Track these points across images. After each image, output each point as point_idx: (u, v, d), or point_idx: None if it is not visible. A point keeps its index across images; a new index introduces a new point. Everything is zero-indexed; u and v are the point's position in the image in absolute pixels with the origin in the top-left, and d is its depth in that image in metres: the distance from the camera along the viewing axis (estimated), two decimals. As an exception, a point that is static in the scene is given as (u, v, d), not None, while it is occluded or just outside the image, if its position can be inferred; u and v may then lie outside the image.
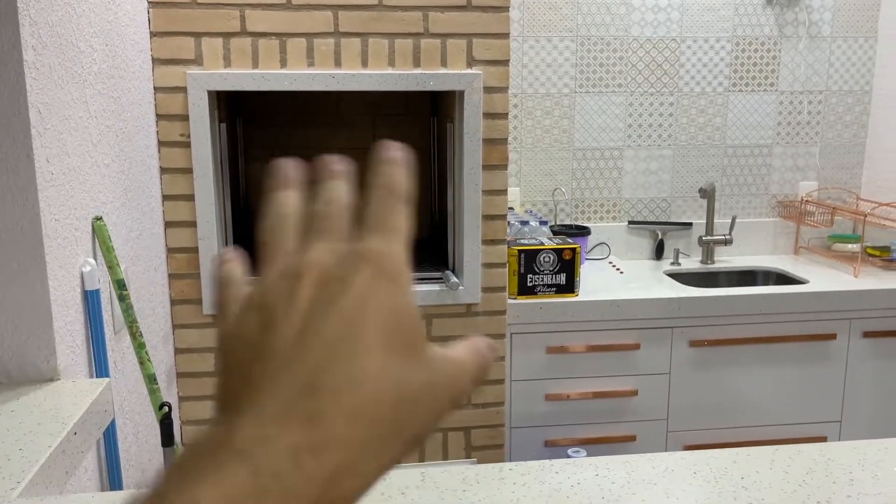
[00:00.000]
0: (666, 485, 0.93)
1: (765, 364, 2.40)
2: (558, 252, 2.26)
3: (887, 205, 2.67)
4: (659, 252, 2.84)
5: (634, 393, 2.36)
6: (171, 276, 1.99)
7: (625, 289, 2.39)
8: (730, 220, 2.82)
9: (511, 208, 2.75)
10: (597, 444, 2.38)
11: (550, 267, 2.27)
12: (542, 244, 2.28)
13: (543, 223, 2.48)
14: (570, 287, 2.29)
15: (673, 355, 2.36)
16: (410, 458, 1.54)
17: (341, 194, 0.35)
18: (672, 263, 2.79)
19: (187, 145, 1.93)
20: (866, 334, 2.42)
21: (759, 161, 2.88)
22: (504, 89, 2.04)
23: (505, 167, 2.08)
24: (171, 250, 1.98)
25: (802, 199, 2.90)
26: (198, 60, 1.91)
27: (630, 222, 2.85)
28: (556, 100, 2.74)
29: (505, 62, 2.03)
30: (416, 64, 1.99)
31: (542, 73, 2.71)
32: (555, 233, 2.68)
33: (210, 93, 1.93)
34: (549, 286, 2.28)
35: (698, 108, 2.81)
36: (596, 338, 2.32)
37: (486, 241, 2.11)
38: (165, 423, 1.48)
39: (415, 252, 0.37)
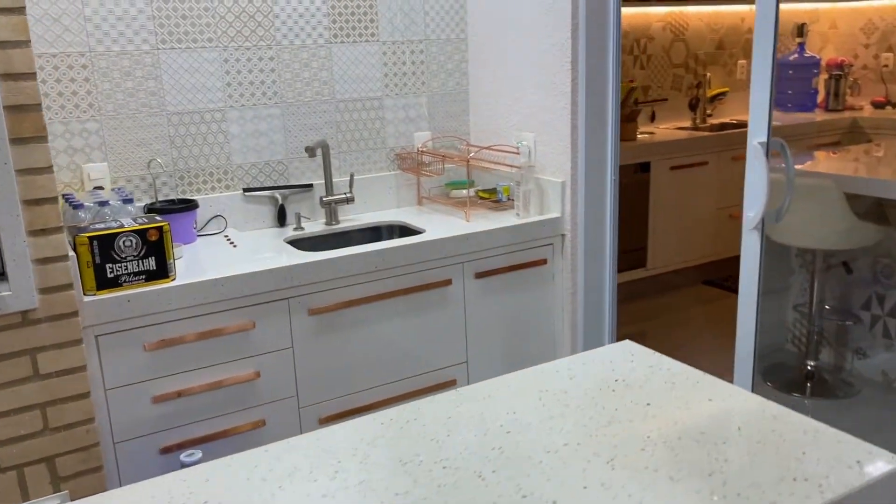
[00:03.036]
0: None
1: (388, 320, 2.36)
2: (141, 234, 1.95)
3: (487, 148, 2.78)
4: (281, 219, 2.66)
5: (257, 375, 2.17)
6: None
7: (235, 264, 2.17)
8: (349, 178, 2.73)
9: (100, 187, 2.35)
10: (223, 439, 2.15)
11: (134, 252, 1.95)
12: (122, 227, 1.95)
13: (128, 201, 2.14)
14: (163, 272, 2.00)
15: (293, 328, 2.20)
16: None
17: None
18: (295, 229, 2.64)
19: None
20: (478, 275, 2.50)
21: (373, 115, 2.82)
22: (25, 43, 1.65)
23: (44, 139, 1.70)
24: None
25: (419, 150, 2.92)
26: None
27: (245, 190, 2.62)
28: (136, 58, 2.38)
29: (20, 10, 1.64)
30: None
31: (111, 28, 2.33)
32: (156, 210, 2.36)
33: None
34: (137, 274, 1.97)
35: (301, 61, 2.65)
36: (204, 323, 2.06)
37: (35, 232, 1.73)
38: None
39: None
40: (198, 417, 2.11)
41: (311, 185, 2.72)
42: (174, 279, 2.03)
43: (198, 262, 2.21)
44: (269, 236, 2.54)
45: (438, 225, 2.60)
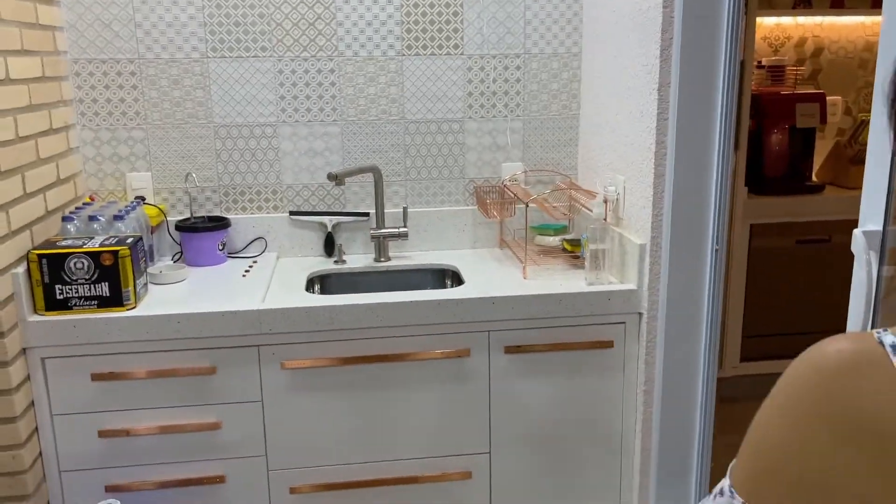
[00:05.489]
0: None
1: (388, 386, 1.97)
2: (94, 256, 1.81)
3: (563, 188, 2.23)
4: (329, 248, 2.40)
5: (217, 426, 1.92)
6: None
7: (202, 299, 1.95)
8: (402, 211, 2.37)
9: (141, 197, 2.29)
10: (178, 489, 1.94)
11: (86, 275, 1.82)
12: (80, 247, 1.83)
13: (118, 217, 2.02)
14: (116, 299, 1.84)
15: (264, 380, 1.92)
16: None
17: None
18: (336, 262, 2.35)
19: None
20: (508, 350, 1.99)
21: (451, 139, 2.43)
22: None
23: (-31, 151, 1.62)
24: None
25: (502, 185, 2.46)
26: None
27: (291, 213, 2.40)
28: (185, 66, 2.27)
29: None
30: None
31: (161, 35, 2.24)
32: (184, 228, 2.23)
33: None
34: (89, 299, 1.83)
35: (367, 75, 2.35)
36: (158, 361, 1.87)
37: (-39, 246, 1.66)
38: None
39: None
40: (149, 460, 1.93)
41: (367, 214, 2.41)
42: (132, 308, 1.86)
43: (195, 288, 2.03)
44: (301, 267, 2.29)
45: (488, 277, 2.13)
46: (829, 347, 0.57)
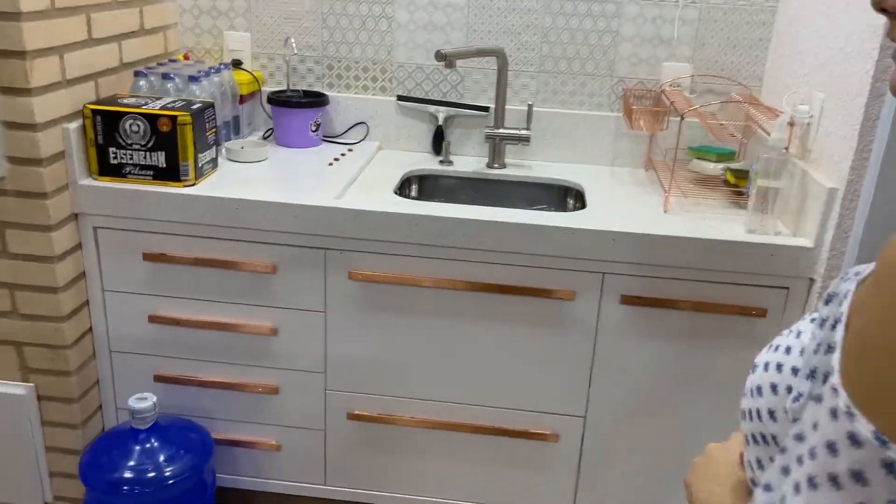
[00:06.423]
0: None
1: (471, 319, 1.63)
2: (150, 119, 1.56)
3: (730, 101, 1.70)
4: (437, 144, 2.04)
5: (273, 332, 1.69)
6: None
7: (272, 185, 1.67)
8: (547, 109, 1.94)
9: (238, 61, 2.03)
10: (228, 391, 1.75)
11: (141, 140, 1.58)
12: (140, 106, 1.58)
13: (194, 80, 1.76)
14: (172, 172, 1.60)
15: (328, 289, 1.64)
16: None
17: None
18: (442, 162, 1.99)
19: None
20: (625, 299, 1.57)
21: (601, 25, 1.94)
22: None
23: (8, -23, 1.38)
24: None
25: (660, 88, 1.96)
26: None
27: (399, 97, 2.05)
28: None
29: None
30: None
31: None
32: (275, 101, 1.96)
33: None
34: (144, 168, 1.60)
35: (507, -66, 1.89)
36: (213, 249, 1.64)
37: (5, 90, 1.45)
38: None
39: None
40: (199, 356, 1.73)
41: (486, 109, 2.01)
42: (189, 185, 1.61)
43: (273, 172, 1.77)
44: (400, 162, 1.96)
45: (618, 205, 1.70)
46: None
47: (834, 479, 0.44)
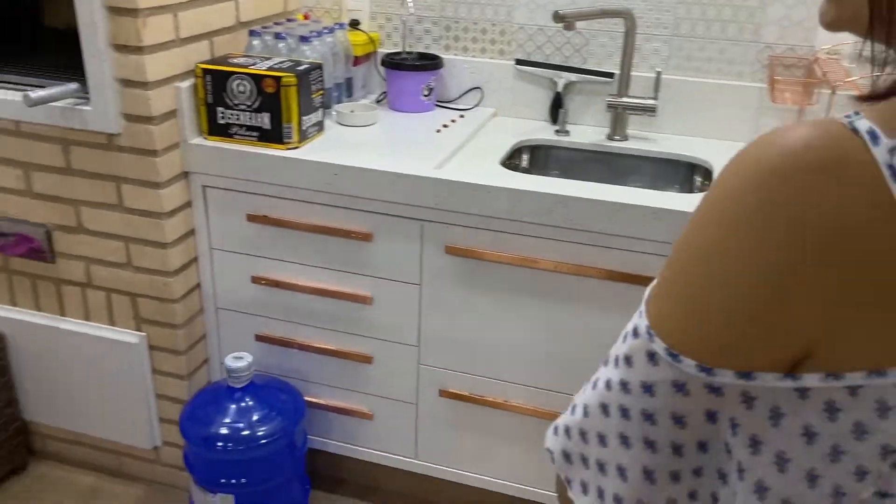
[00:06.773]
0: None
1: (572, 304, 1.52)
2: (256, 80, 1.55)
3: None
4: (555, 112, 1.91)
5: (369, 300, 1.65)
6: None
7: (375, 151, 1.62)
8: (678, 76, 1.77)
9: (356, 21, 2.00)
10: (324, 356, 1.75)
11: (247, 101, 1.57)
12: (248, 66, 1.57)
13: (305, 40, 1.73)
14: (276, 134, 1.58)
15: (424, 262, 1.58)
16: None
17: None
18: (557, 132, 1.86)
19: None
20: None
21: (749, -17, 1.72)
22: None
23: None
24: None
25: (815, 56, 1.72)
26: None
27: (517, 62, 1.93)
28: None
29: None
30: None
31: None
32: (388, 63, 1.91)
33: None
34: (250, 129, 1.60)
35: None
36: (314, 214, 1.62)
37: (118, 47, 1.48)
38: None
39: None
40: (299, 319, 1.74)
41: (610, 76, 1.86)
42: (293, 147, 1.60)
43: (380, 137, 1.73)
44: (514, 131, 1.85)
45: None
46: (785, 137, 0.43)
47: (627, 359, 0.51)
